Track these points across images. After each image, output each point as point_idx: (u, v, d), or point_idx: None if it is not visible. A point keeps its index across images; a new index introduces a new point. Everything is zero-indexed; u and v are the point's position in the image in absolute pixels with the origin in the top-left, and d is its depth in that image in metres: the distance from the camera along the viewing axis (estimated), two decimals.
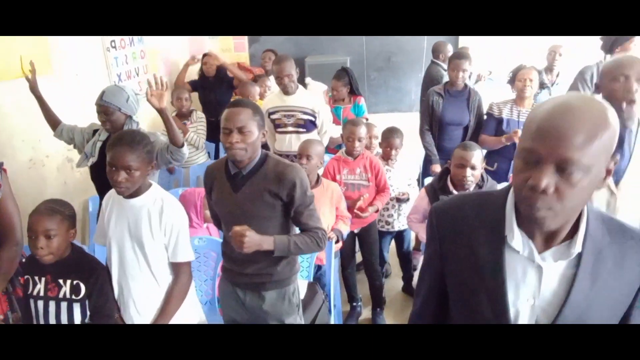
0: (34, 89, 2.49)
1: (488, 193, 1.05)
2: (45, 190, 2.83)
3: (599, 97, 1.86)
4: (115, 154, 1.68)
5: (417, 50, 5.69)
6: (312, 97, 3.30)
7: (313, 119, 3.18)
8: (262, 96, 3.91)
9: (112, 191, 1.81)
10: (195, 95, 4.39)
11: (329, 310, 2.33)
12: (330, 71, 3.90)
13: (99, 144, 2.42)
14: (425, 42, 5.68)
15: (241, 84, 3.93)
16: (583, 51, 4.21)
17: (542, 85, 3.59)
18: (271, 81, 4.16)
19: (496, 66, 4.67)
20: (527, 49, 4.86)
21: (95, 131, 2.50)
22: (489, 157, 3.21)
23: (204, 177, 1.94)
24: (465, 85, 3.27)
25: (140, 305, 1.84)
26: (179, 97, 3.81)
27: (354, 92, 3.69)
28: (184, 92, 3.87)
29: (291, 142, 3.22)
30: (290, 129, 3.24)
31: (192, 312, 1.95)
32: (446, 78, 3.65)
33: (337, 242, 2.41)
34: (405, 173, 3.09)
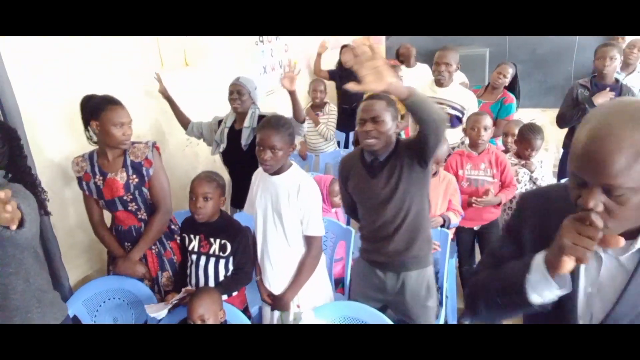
0: (164, 93, 2.83)
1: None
2: (198, 166, 3.27)
3: None
4: (262, 135, 1.90)
5: (566, 41, 5.20)
6: (465, 93, 3.23)
7: (460, 115, 3.14)
8: None
9: (260, 168, 2.06)
10: (330, 85, 4.63)
11: (440, 302, 2.34)
12: (468, 63, 3.79)
13: (226, 131, 2.79)
14: None
15: None
16: None
17: None
18: (403, 71, 4.22)
19: None
20: None
21: (219, 122, 2.85)
22: None
23: (339, 169, 2.11)
24: (617, 80, 2.96)
25: (276, 271, 2.08)
26: (315, 89, 4.04)
27: (509, 88, 3.56)
28: (320, 84, 4.09)
29: None
30: None
31: (322, 283, 2.17)
32: None
33: (442, 225, 2.41)
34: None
